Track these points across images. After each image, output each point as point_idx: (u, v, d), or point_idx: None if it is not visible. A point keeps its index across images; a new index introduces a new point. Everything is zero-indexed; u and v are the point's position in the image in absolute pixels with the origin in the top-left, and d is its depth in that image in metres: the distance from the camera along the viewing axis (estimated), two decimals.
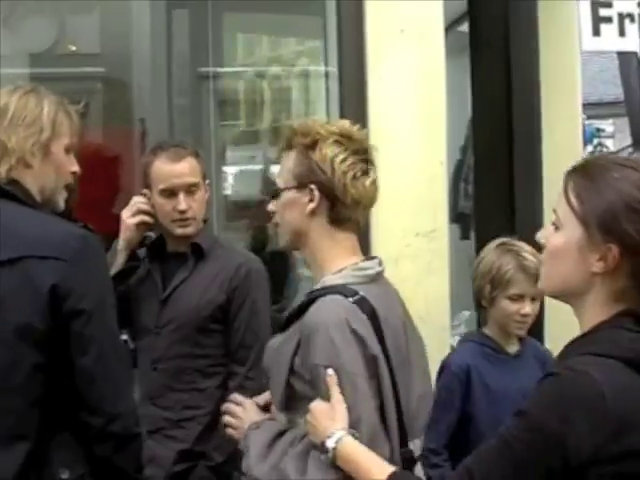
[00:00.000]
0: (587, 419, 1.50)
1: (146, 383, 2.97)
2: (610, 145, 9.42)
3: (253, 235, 5.42)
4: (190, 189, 2.90)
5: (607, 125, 9.09)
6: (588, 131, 8.01)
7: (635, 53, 6.81)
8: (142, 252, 2.99)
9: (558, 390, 1.55)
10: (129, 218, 2.89)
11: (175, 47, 5.21)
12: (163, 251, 2.99)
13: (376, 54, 3.45)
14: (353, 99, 3.47)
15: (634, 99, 7.25)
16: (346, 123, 2.18)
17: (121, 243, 2.91)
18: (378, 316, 2.00)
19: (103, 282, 2.13)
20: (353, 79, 3.49)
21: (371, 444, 1.88)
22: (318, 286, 2.07)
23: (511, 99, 4.54)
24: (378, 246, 3.22)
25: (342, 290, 2.00)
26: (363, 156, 2.09)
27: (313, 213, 2.08)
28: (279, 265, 5.17)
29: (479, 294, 2.92)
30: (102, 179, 4.64)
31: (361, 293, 2.00)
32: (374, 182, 2.11)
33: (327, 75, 4.03)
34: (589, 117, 12.57)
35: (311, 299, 2.02)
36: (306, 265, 2.23)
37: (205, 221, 3.01)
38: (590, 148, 8.86)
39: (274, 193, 2.14)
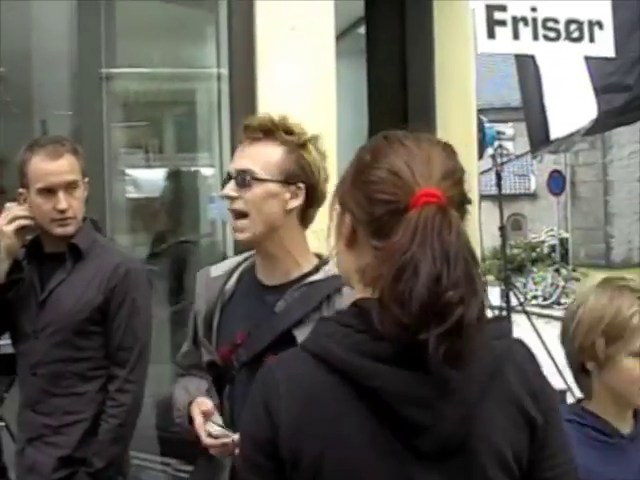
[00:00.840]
0: (267, 420, 1.37)
1: (26, 389, 2.90)
2: (510, 147, 9.64)
3: (153, 237, 5.38)
4: (70, 187, 2.83)
5: (507, 128, 9.30)
6: (489, 134, 8.14)
7: (532, 57, 6.95)
8: (20, 253, 2.90)
9: (254, 387, 1.44)
10: (5, 226, 2.78)
11: (75, 47, 5.12)
12: (40, 252, 2.91)
13: (266, 53, 3.45)
14: (243, 98, 3.46)
15: (531, 103, 7.37)
16: (310, 131, 2.25)
17: (2, 252, 2.80)
18: None
19: None
20: (243, 78, 3.49)
21: None
22: (319, 276, 2.14)
23: (406, 99, 4.60)
24: None
25: None
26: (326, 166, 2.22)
27: (291, 210, 2.15)
28: (180, 267, 5.14)
29: (585, 354, 2.12)
30: None
31: None
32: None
33: (219, 76, 4.02)
34: (494, 121, 12.82)
35: (333, 289, 2.10)
36: (265, 260, 2.21)
37: (84, 220, 2.94)
38: (491, 150, 9.02)
39: (245, 180, 2.13)
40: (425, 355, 1.29)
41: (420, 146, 1.46)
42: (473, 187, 5.29)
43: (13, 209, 2.81)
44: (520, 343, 1.54)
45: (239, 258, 2.32)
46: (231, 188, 2.15)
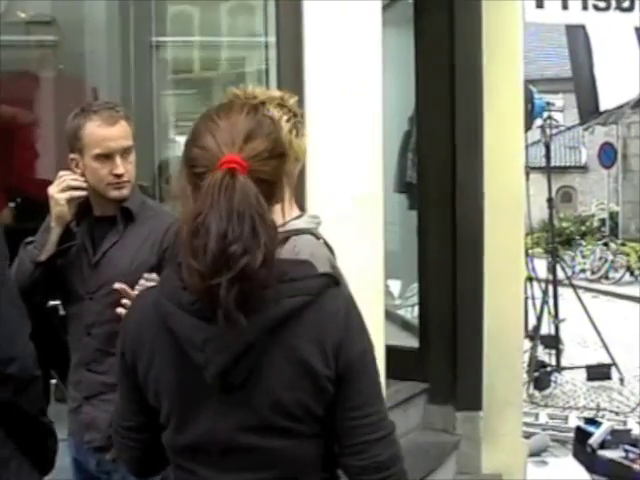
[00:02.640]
0: (122, 333, 1.81)
1: (79, 349, 2.93)
2: (560, 119, 9.59)
3: None
4: (125, 152, 2.89)
5: (557, 99, 9.23)
6: (538, 104, 8.06)
7: (582, 27, 6.89)
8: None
9: None
10: (58, 193, 2.80)
11: (126, 15, 5.18)
12: (89, 214, 2.98)
13: (313, 21, 3.47)
14: (290, 67, 3.49)
15: (582, 74, 7.33)
16: (276, 90, 2.45)
17: (53, 220, 2.83)
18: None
19: None
20: (290, 47, 3.51)
21: None
22: (281, 229, 2.22)
23: (453, 69, 4.60)
24: (312, 210, 3.25)
25: (311, 232, 2.31)
26: (298, 117, 2.35)
27: None
28: None
29: None
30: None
31: (322, 236, 2.34)
32: (306, 140, 2.38)
33: (267, 45, 4.06)
34: (545, 92, 12.67)
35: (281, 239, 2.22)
36: None
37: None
38: (540, 122, 8.93)
39: None
40: (216, 304, 1.56)
41: (228, 116, 1.70)
42: (519, 158, 5.29)
43: (66, 178, 2.84)
44: (335, 296, 1.73)
45: None
46: None
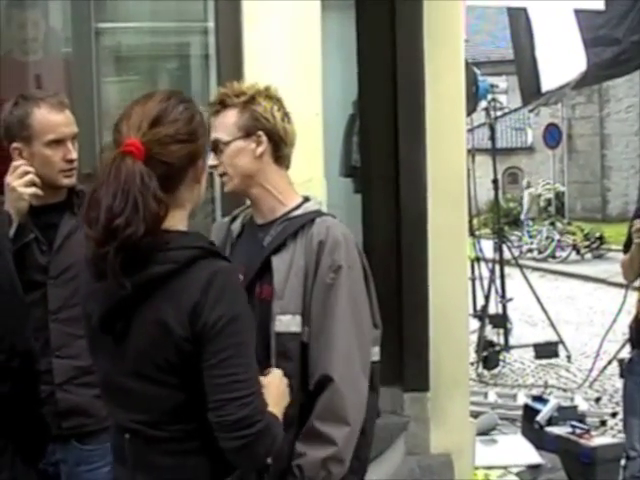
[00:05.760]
0: None
1: (45, 336, 2.85)
2: (504, 101, 9.72)
3: None
4: (74, 138, 2.88)
5: (500, 81, 9.34)
6: (482, 87, 8.12)
7: (524, 9, 6.97)
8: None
9: None
10: (21, 187, 2.77)
11: (65, 2, 5.12)
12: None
13: (252, 6, 3.47)
14: (229, 52, 3.50)
15: (524, 56, 7.39)
16: (260, 84, 2.60)
17: (13, 213, 2.78)
18: None
19: None
20: (229, 32, 3.52)
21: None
22: (299, 212, 2.53)
23: (395, 50, 4.62)
24: None
25: (329, 215, 2.56)
26: (284, 106, 2.58)
27: (261, 155, 2.51)
28: None
29: None
30: None
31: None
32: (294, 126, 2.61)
33: (207, 30, 4.04)
34: (490, 74, 12.77)
35: (308, 220, 2.49)
36: (252, 203, 2.60)
37: None
38: (484, 103, 9.02)
39: (218, 148, 2.51)
40: (106, 267, 1.86)
41: (145, 103, 1.97)
42: (461, 140, 5.31)
43: (30, 172, 2.79)
44: (203, 267, 1.93)
45: (246, 205, 2.73)
46: (211, 158, 2.51)
